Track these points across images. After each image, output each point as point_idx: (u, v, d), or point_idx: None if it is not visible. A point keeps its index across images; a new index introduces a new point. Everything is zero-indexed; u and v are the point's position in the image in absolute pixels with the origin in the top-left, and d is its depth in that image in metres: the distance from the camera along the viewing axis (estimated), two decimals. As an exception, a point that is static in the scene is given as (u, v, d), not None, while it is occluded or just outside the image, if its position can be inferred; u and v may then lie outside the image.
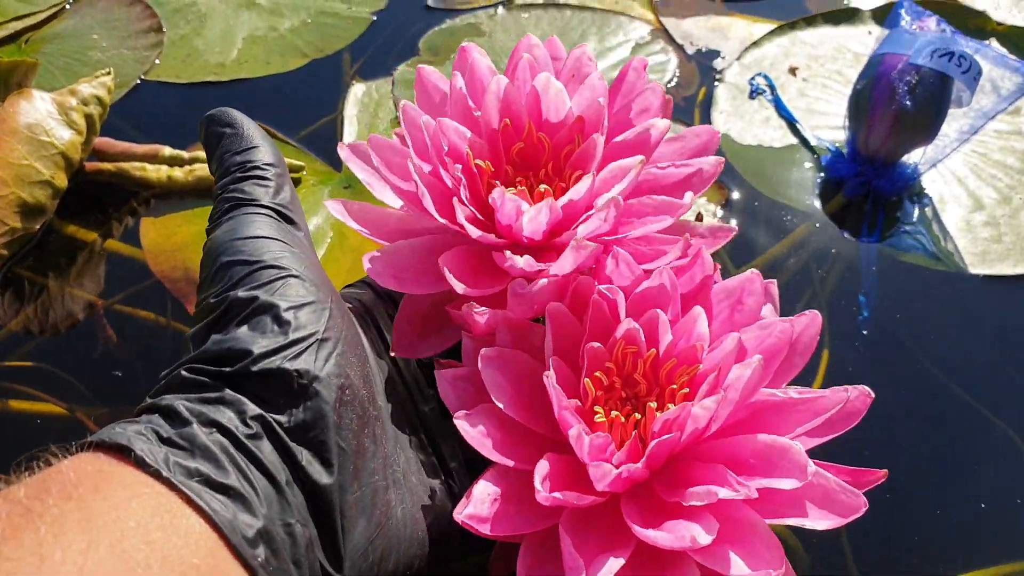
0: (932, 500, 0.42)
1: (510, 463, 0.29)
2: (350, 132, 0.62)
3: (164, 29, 0.69)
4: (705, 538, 0.26)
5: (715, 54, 0.68)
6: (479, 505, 0.28)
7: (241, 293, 0.27)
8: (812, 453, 0.28)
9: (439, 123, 0.33)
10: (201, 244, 0.30)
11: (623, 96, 0.37)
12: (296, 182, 0.58)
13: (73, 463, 0.22)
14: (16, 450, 0.23)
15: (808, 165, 0.60)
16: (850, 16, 0.71)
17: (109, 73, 0.55)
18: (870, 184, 0.57)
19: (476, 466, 0.31)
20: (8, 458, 0.22)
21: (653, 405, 0.30)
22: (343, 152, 0.36)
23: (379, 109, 0.63)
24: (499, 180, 0.34)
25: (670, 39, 0.70)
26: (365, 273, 0.33)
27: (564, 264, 0.31)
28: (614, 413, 0.30)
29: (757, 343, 0.31)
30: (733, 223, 0.56)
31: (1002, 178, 0.59)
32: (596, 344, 0.30)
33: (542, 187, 0.34)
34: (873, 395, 0.30)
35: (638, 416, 0.30)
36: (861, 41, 0.69)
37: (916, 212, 0.56)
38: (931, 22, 0.55)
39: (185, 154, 0.57)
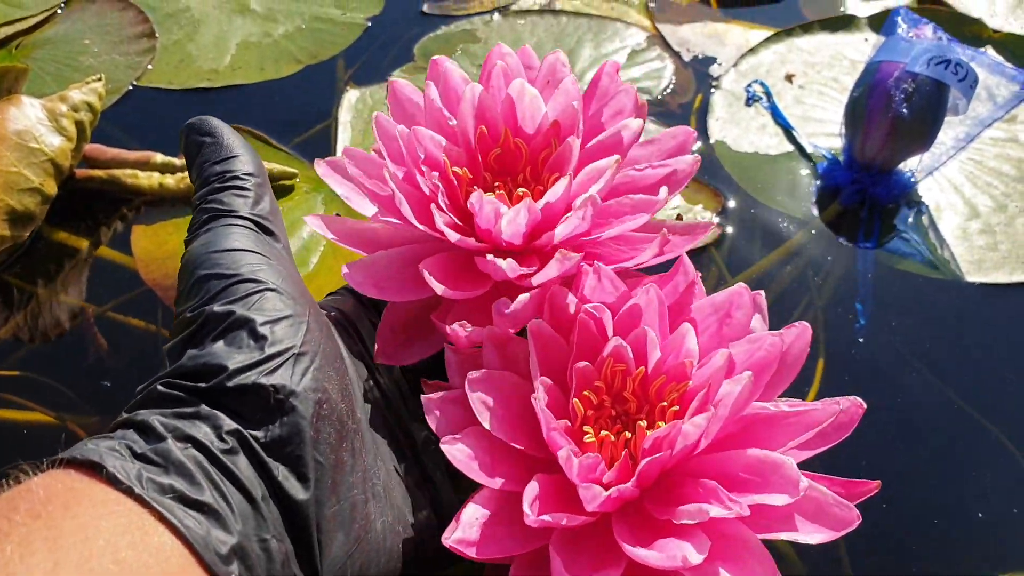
0: (929, 508, 0.42)
1: (497, 485, 0.28)
2: (344, 139, 0.61)
3: (157, 34, 0.69)
4: (696, 557, 0.26)
5: (711, 61, 0.68)
6: (467, 529, 0.28)
7: (217, 308, 0.26)
8: (806, 463, 0.28)
9: (414, 131, 0.33)
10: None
11: (598, 100, 0.37)
12: (289, 189, 0.57)
13: (43, 480, 0.22)
14: (2, 461, 0.23)
15: (804, 172, 0.59)
16: (847, 23, 0.71)
17: (100, 79, 0.55)
18: (866, 191, 0.56)
19: (459, 475, 0.30)
20: (-4, 469, 0.22)
21: (643, 423, 0.29)
22: (320, 168, 0.36)
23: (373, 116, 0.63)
24: (477, 186, 0.34)
25: (666, 46, 0.70)
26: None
27: (548, 273, 0.31)
28: (604, 432, 0.30)
29: (747, 357, 0.30)
30: (729, 230, 0.56)
31: (998, 186, 0.58)
32: (584, 363, 0.30)
33: (520, 191, 0.34)
34: (865, 406, 0.30)
35: (628, 434, 0.30)
36: (857, 48, 0.69)
37: (912, 220, 0.56)
38: (927, 30, 0.55)
39: (177, 161, 0.57)
